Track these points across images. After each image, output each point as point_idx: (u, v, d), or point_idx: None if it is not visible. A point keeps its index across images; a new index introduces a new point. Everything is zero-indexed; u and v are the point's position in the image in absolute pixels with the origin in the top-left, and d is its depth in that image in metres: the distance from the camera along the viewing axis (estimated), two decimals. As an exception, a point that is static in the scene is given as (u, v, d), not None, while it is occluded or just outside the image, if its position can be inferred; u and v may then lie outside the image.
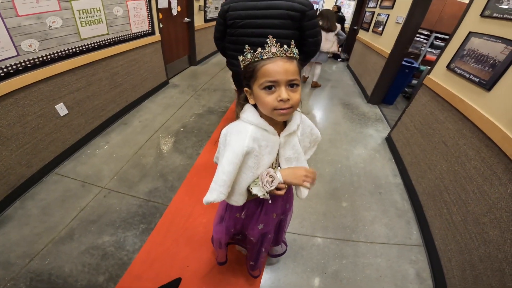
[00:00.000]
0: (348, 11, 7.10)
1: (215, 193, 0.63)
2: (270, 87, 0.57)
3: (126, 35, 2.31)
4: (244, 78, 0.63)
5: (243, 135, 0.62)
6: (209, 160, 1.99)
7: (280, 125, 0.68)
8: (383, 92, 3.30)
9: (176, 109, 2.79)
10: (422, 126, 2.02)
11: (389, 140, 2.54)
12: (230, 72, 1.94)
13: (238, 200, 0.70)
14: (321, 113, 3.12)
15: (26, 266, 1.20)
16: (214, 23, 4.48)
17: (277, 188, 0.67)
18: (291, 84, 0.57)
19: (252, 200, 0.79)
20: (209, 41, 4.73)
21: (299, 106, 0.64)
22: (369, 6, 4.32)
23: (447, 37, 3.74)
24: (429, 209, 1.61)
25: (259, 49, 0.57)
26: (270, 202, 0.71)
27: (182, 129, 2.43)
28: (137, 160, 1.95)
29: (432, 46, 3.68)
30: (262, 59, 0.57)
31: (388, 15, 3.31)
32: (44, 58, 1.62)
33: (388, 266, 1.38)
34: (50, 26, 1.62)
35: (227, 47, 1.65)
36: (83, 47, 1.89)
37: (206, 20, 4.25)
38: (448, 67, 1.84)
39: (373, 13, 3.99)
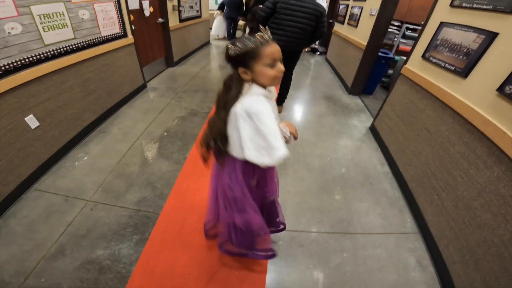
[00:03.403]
0: (323, 5, 7.18)
1: (282, 148, 0.72)
2: (272, 64, 0.73)
3: (95, 39, 2.16)
4: (239, 61, 0.75)
5: (263, 102, 0.76)
6: (197, 163, 1.92)
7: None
8: (362, 83, 3.39)
9: (157, 113, 2.67)
10: (404, 115, 2.08)
11: (373, 129, 2.61)
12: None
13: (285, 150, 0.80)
14: (305, 107, 3.14)
15: (23, 284, 1.15)
16: (190, 22, 4.45)
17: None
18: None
19: (262, 168, 0.90)
20: (186, 41, 4.59)
21: None
22: (342, -1, 4.40)
23: (418, 27, 3.98)
24: (419, 196, 1.65)
25: (258, 38, 0.72)
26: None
27: (165, 133, 2.33)
28: (121, 169, 1.85)
29: (404, 36, 3.83)
30: (262, 44, 0.71)
31: (362, 7, 3.39)
32: (6, 67, 1.46)
33: (388, 256, 1.40)
34: (9, 33, 1.46)
35: (270, 26, 2.30)
36: (48, 53, 1.74)
37: (181, 20, 4.10)
38: (423, 56, 1.91)
39: (347, 5, 4.07)
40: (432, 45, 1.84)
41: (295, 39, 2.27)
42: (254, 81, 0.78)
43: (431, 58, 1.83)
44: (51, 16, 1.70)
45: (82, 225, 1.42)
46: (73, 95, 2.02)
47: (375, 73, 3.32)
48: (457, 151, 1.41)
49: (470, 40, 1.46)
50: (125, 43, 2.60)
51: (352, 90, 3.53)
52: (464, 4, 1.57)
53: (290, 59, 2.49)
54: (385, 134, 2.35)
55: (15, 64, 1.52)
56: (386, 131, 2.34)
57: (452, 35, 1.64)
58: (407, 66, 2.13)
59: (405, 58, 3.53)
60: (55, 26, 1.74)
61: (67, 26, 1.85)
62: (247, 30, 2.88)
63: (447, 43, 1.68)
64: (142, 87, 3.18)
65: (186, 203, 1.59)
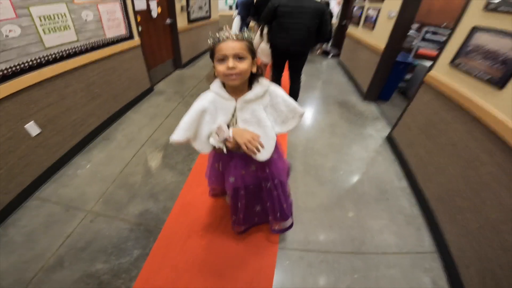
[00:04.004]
0: (333, 7, 6.98)
1: (176, 133, 0.87)
2: (222, 59, 0.77)
3: (99, 41, 2.08)
4: (210, 57, 0.83)
5: (203, 99, 0.88)
6: (202, 175, 1.78)
7: (242, 93, 0.87)
8: (378, 88, 3.20)
9: (163, 118, 2.58)
10: (426, 127, 1.91)
11: (390, 140, 2.43)
12: None
13: (203, 147, 0.93)
14: (317, 114, 2.97)
15: (22, 295, 1.13)
16: (199, 23, 4.35)
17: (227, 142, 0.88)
18: (239, 57, 0.77)
19: (227, 157, 1.01)
20: (195, 43, 4.50)
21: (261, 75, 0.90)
22: (357, 0, 4.21)
23: (438, 30, 3.75)
24: (441, 215, 1.52)
25: (217, 35, 0.78)
26: (225, 153, 0.91)
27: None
28: (124, 179, 1.78)
29: (424, 39, 3.60)
30: (219, 41, 0.77)
31: (379, 9, 3.20)
32: (5, 72, 1.40)
33: (403, 276, 1.30)
34: (6, 35, 1.39)
35: (274, 28, 2.30)
36: (49, 56, 1.66)
37: (190, 21, 4.01)
38: (452, 63, 1.73)
39: (362, 7, 3.88)
40: (462, 51, 1.66)
41: (299, 40, 2.23)
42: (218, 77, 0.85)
43: (461, 66, 1.65)
44: (52, 18, 1.63)
45: (82, 237, 1.38)
46: (76, 100, 1.95)
47: (392, 78, 3.13)
48: (487, 171, 1.25)
49: (508, 48, 1.29)
50: (131, 45, 2.52)
51: (367, 96, 3.33)
52: (501, 8, 1.39)
53: (296, 60, 2.48)
54: (404, 146, 2.18)
55: (13, 68, 1.45)
56: (405, 143, 2.16)
57: (487, 41, 1.46)
58: (431, 73, 1.95)
59: (425, 62, 3.35)
60: (56, 28, 1.67)
61: (70, 28, 1.77)
62: (265, 30, 2.74)
63: (480, 50, 1.50)
64: (149, 90, 3.11)
65: (190, 218, 1.51)
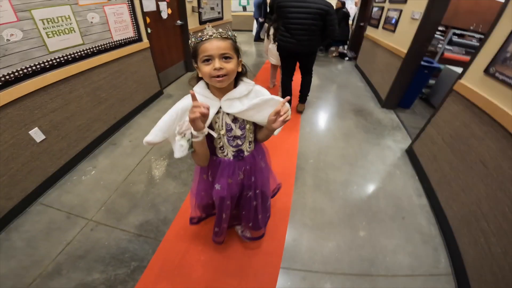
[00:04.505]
0: (351, 7, 6.73)
1: (152, 134, 0.80)
2: (207, 60, 0.72)
3: (106, 44, 2.03)
4: (193, 57, 0.77)
5: (186, 98, 0.81)
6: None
7: (226, 93, 0.82)
8: (399, 95, 2.97)
9: (170, 124, 2.51)
10: (453, 141, 1.72)
11: (410, 153, 2.23)
12: None
13: (176, 149, 0.82)
14: (331, 122, 2.79)
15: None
16: (210, 24, 4.24)
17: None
18: (225, 57, 0.72)
19: (214, 162, 0.97)
20: (206, 44, 4.44)
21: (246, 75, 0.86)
22: (376, 1, 3.98)
23: (465, 33, 3.47)
24: (461, 236, 1.42)
25: (199, 34, 0.73)
26: (185, 152, 0.81)
27: None
28: (126, 188, 1.74)
29: (450, 43, 3.33)
30: (202, 40, 0.72)
31: (401, 10, 2.98)
32: (7, 77, 1.37)
33: None
34: (8, 40, 1.35)
35: (280, 28, 2.30)
36: (53, 61, 1.62)
37: (201, 22, 3.94)
38: (486, 72, 1.53)
39: (382, 8, 3.65)
40: (499, 58, 1.46)
41: (304, 40, 2.22)
42: (203, 78, 0.80)
43: (497, 75, 1.45)
44: (56, 21, 1.58)
45: (81, 245, 1.37)
46: (82, 105, 1.92)
47: (414, 84, 2.89)
48: (520, 195, 1.08)
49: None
50: (140, 47, 2.47)
51: (386, 103, 3.11)
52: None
53: (304, 60, 2.48)
54: (425, 161, 1.98)
55: (16, 74, 1.42)
56: (427, 157, 1.97)
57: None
58: (462, 81, 1.75)
59: (451, 67, 3.10)
60: (60, 31, 1.62)
61: (74, 31, 1.72)
62: (271, 31, 2.72)
63: (522, 57, 1.30)
64: (158, 94, 3.06)
65: (190, 232, 1.45)
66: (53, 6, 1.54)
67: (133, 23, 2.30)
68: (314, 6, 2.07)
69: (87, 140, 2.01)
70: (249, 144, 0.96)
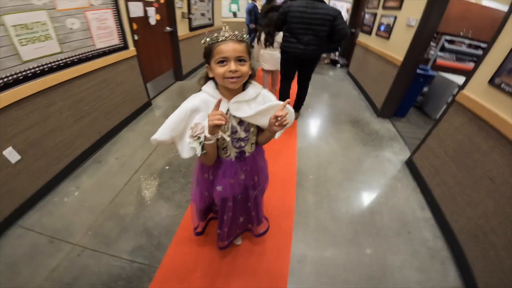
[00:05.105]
0: (343, 14, 6.81)
1: (160, 132, 0.81)
2: (222, 61, 0.73)
3: (88, 52, 1.87)
4: (205, 57, 0.79)
5: (194, 98, 0.84)
6: None
7: (234, 95, 0.83)
8: (395, 104, 2.93)
9: (160, 139, 2.35)
10: (457, 154, 1.67)
11: (410, 165, 2.17)
12: None
13: (187, 151, 0.84)
14: (328, 134, 2.67)
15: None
16: (201, 31, 4.15)
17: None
18: (239, 60, 0.74)
19: (216, 163, 0.95)
20: (197, 51, 4.30)
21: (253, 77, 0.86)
22: (368, 7, 3.98)
23: (455, 39, 3.50)
24: (470, 250, 1.39)
25: (215, 34, 0.74)
26: (198, 154, 0.79)
27: (167, 167, 1.99)
28: (114, 210, 1.61)
29: (442, 49, 3.34)
30: (218, 41, 0.73)
31: (396, 17, 2.96)
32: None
33: None
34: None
35: (284, 34, 2.31)
36: (28, 71, 1.45)
37: (191, 29, 3.82)
38: (491, 82, 1.48)
39: (375, 14, 3.65)
40: (505, 68, 1.41)
41: (310, 45, 2.23)
42: (214, 79, 0.81)
43: (503, 86, 1.40)
44: (30, 27, 1.42)
45: (68, 272, 1.27)
46: (62, 120, 1.75)
47: (410, 93, 2.86)
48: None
49: None
50: (126, 55, 2.31)
51: (382, 113, 3.06)
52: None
53: (306, 66, 2.46)
54: (427, 174, 1.93)
55: (-18, 87, 1.23)
56: (429, 170, 1.92)
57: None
58: (465, 92, 1.70)
59: (443, 74, 3.10)
60: (35, 38, 1.46)
61: (51, 38, 1.56)
62: (262, 36, 2.72)
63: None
64: (147, 105, 2.89)
65: (189, 258, 1.35)
66: (27, 11, 1.38)
67: (118, 30, 2.15)
68: (322, 12, 2.10)
69: (69, 158, 1.84)
70: (251, 146, 0.97)
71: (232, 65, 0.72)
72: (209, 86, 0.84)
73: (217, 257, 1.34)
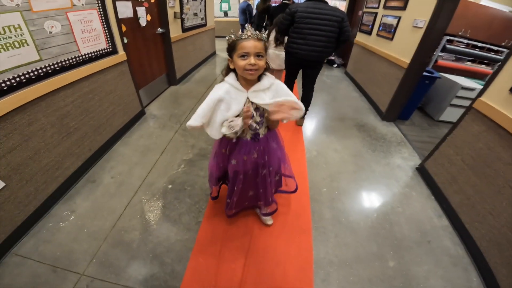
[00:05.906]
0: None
1: (193, 119, 0.97)
2: (244, 56, 0.90)
3: (72, 58, 1.65)
4: (228, 51, 0.95)
5: (219, 89, 1.00)
6: (214, 229, 1.52)
7: (252, 85, 1.00)
8: (400, 107, 2.85)
9: (158, 154, 2.15)
10: (476, 163, 1.61)
11: (422, 171, 2.10)
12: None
13: (215, 133, 1.03)
14: (336, 142, 2.51)
15: None
16: (194, 32, 3.95)
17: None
18: (258, 55, 0.90)
19: (231, 140, 1.13)
20: (190, 54, 4.09)
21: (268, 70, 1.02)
22: (368, 6, 3.89)
23: (454, 39, 3.47)
24: (492, 257, 1.38)
25: (240, 32, 0.92)
26: (234, 141, 1.12)
27: (170, 186, 1.82)
28: (118, 236, 1.47)
29: (443, 49, 3.30)
30: (241, 38, 0.89)
31: (400, 17, 2.87)
32: None
33: None
34: None
35: (291, 35, 2.28)
36: (2, 84, 1.24)
37: (184, 30, 3.60)
38: (514, 90, 1.40)
39: (375, 14, 3.56)
40: (530, 76, 1.33)
41: (318, 47, 2.20)
42: (235, 71, 0.99)
43: (528, 94, 1.31)
44: (1, 32, 1.20)
45: None
46: (46, 139, 1.54)
47: (415, 95, 2.79)
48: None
49: None
50: (115, 61, 2.09)
51: (386, 116, 2.97)
52: None
53: (311, 69, 2.43)
54: (443, 181, 1.86)
55: None
56: (444, 177, 1.85)
57: None
58: (483, 99, 1.62)
59: (444, 74, 3.05)
60: (8, 45, 1.24)
61: (28, 44, 1.34)
62: (272, 34, 2.67)
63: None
64: (140, 114, 2.67)
65: (208, 285, 1.25)
66: (-4, 15, 1.16)
67: (105, 32, 1.93)
68: (330, 13, 2.10)
69: (59, 180, 1.65)
70: (265, 129, 1.14)
71: (252, 59, 0.88)
72: (231, 78, 1.00)
73: (236, 282, 1.25)
